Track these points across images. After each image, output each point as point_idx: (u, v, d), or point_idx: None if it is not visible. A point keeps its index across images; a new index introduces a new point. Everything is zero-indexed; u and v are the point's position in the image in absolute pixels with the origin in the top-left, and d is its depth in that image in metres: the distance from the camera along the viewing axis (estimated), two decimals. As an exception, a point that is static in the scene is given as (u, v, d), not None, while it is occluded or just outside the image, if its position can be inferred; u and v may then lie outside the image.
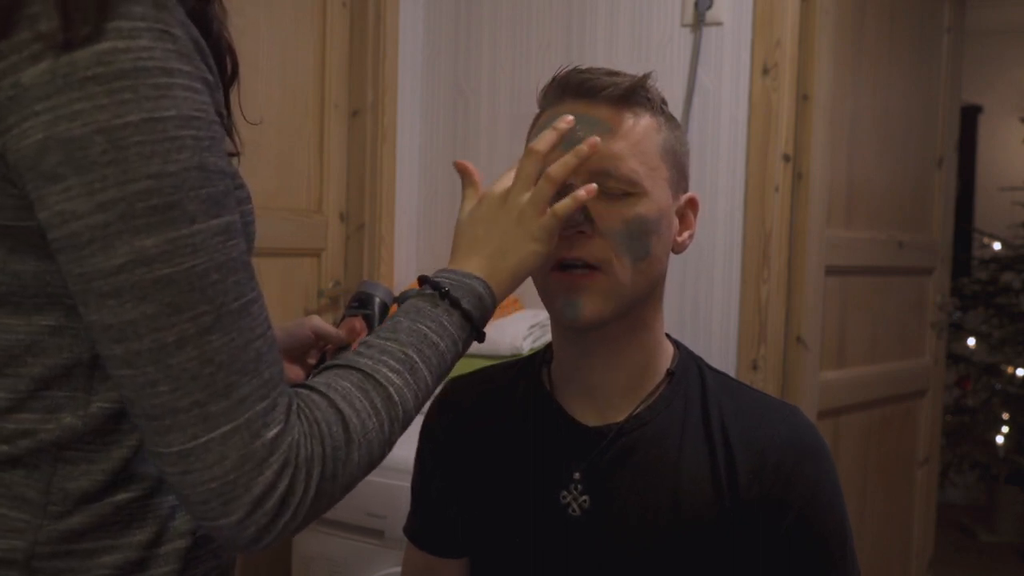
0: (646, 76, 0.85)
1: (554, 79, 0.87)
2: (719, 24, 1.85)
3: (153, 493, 0.63)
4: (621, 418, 0.88)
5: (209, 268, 0.54)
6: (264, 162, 1.79)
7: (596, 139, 0.77)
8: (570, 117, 0.78)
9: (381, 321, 0.87)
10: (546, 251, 0.76)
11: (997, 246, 4.00)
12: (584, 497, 0.87)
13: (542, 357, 0.97)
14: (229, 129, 0.73)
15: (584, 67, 0.86)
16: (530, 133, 0.89)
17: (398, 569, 1.53)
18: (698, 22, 1.87)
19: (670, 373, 0.90)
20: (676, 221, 0.88)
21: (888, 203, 2.18)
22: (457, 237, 0.79)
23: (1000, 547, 3.73)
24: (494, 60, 2.10)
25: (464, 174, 0.83)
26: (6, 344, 0.59)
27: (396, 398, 0.65)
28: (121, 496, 0.61)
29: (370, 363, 0.65)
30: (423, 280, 0.74)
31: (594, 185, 0.77)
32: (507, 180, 0.78)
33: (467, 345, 0.75)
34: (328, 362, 0.67)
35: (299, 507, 0.57)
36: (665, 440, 0.87)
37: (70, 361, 0.59)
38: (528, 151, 0.77)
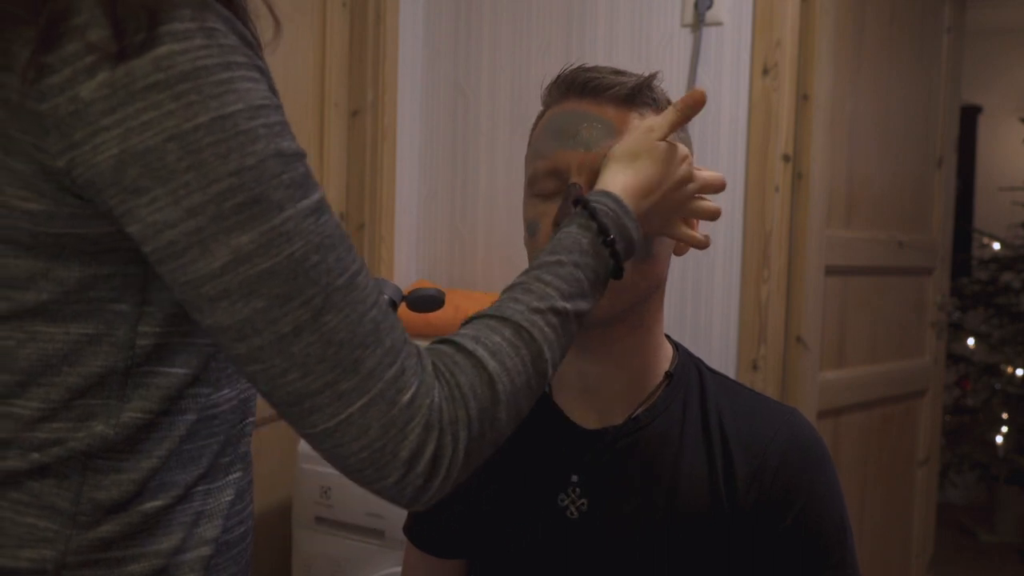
0: (652, 76, 0.85)
1: (559, 77, 0.86)
2: (719, 24, 1.86)
3: (180, 501, 0.62)
4: (620, 421, 0.88)
5: (308, 251, 0.54)
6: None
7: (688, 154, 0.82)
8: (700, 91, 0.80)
9: None
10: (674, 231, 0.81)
11: (997, 246, 4.00)
12: (582, 500, 0.87)
13: None
14: None
15: (590, 66, 0.85)
16: (533, 131, 0.89)
17: (398, 569, 1.53)
18: (698, 22, 1.87)
19: (669, 375, 0.90)
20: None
21: (888, 203, 2.18)
22: (642, 160, 0.77)
23: (1000, 547, 3.73)
24: (494, 60, 2.10)
25: (697, 104, 0.80)
26: (43, 354, 0.58)
27: (547, 355, 0.64)
28: (149, 505, 0.61)
29: (527, 314, 0.64)
30: (586, 206, 0.72)
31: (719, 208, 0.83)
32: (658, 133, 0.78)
33: (606, 285, 0.75)
34: (481, 311, 0.67)
35: (451, 467, 0.58)
36: (664, 443, 0.87)
37: (105, 370, 0.59)
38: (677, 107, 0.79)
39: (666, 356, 0.91)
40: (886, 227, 2.17)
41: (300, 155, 0.57)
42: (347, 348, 0.55)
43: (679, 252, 0.89)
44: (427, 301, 0.90)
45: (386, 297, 0.86)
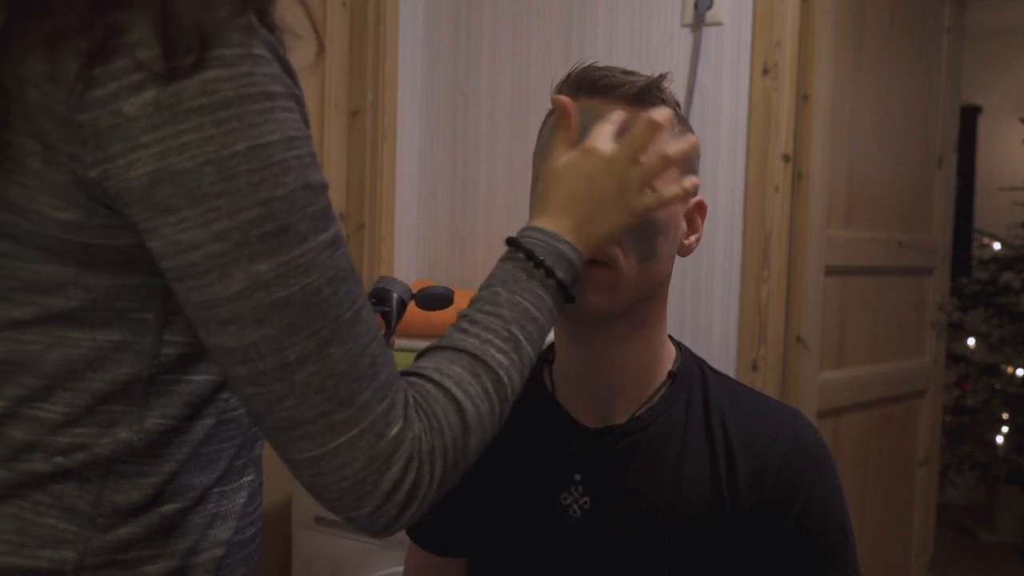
0: (662, 76, 0.85)
1: (569, 75, 0.86)
2: (719, 24, 1.85)
3: (197, 503, 0.63)
4: (622, 419, 0.88)
5: (322, 284, 0.55)
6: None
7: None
8: (667, 111, 0.77)
9: (399, 319, 0.86)
10: (635, 225, 0.77)
11: (997, 246, 4.00)
12: (585, 498, 0.87)
13: (544, 357, 0.97)
14: None
15: (601, 65, 0.86)
16: (542, 128, 0.89)
17: (398, 569, 1.53)
18: (698, 22, 1.87)
19: (672, 375, 0.90)
20: (684, 224, 0.88)
21: (888, 203, 2.17)
22: (551, 188, 0.76)
23: (1000, 547, 3.73)
24: (494, 60, 2.10)
25: (565, 115, 0.79)
26: (69, 359, 0.59)
27: (505, 380, 0.65)
28: (167, 507, 0.61)
29: (478, 344, 0.65)
30: (513, 243, 0.72)
31: (698, 180, 0.80)
32: (605, 139, 0.76)
33: (559, 310, 0.73)
34: (432, 344, 0.67)
35: (425, 496, 0.60)
36: (666, 442, 0.87)
37: (130, 377, 0.60)
38: (647, 121, 0.75)
39: (669, 356, 0.92)
40: (886, 227, 2.17)
41: (324, 187, 0.58)
42: (346, 381, 0.56)
43: (683, 253, 0.88)
44: (437, 299, 0.90)
45: (396, 295, 0.85)
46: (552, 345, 0.95)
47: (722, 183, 1.86)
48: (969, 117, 4.19)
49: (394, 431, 0.58)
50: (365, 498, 0.58)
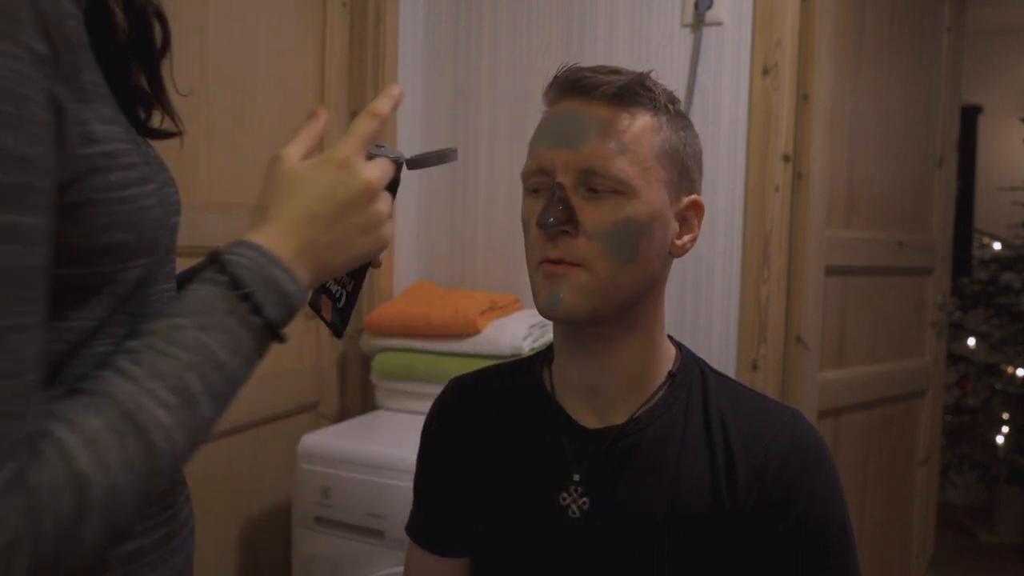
0: (642, 74, 0.84)
1: (555, 78, 0.86)
2: (719, 24, 1.86)
3: None
4: (621, 420, 0.88)
5: None
6: (264, 162, 1.78)
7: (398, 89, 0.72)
8: (398, 89, 0.71)
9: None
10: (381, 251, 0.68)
11: (997, 246, 4.00)
12: (584, 499, 0.87)
13: (543, 357, 0.97)
14: (165, 107, 0.69)
15: (587, 66, 0.85)
16: (534, 132, 0.89)
17: (398, 569, 1.53)
18: (698, 22, 1.87)
19: (671, 375, 0.90)
20: (675, 224, 0.86)
21: (888, 203, 2.18)
22: (284, 196, 0.63)
23: (1000, 547, 3.73)
24: (494, 60, 2.10)
25: (312, 119, 0.70)
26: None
27: (163, 446, 0.51)
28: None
29: (134, 393, 0.51)
30: (217, 261, 0.59)
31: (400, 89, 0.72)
32: (353, 148, 0.66)
33: (264, 354, 0.61)
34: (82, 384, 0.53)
35: None
36: (665, 443, 0.87)
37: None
38: (376, 115, 0.69)
39: (668, 356, 0.91)
40: (886, 227, 2.17)
41: (28, 164, 0.46)
42: None
43: (676, 253, 0.88)
44: (430, 158, 0.76)
45: (387, 159, 0.71)
46: (551, 346, 0.95)
47: (722, 183, 1.86)
48: (969, 117, 4.19)
49: None
50: None
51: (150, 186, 0.58)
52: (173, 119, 0.70)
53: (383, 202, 0.66)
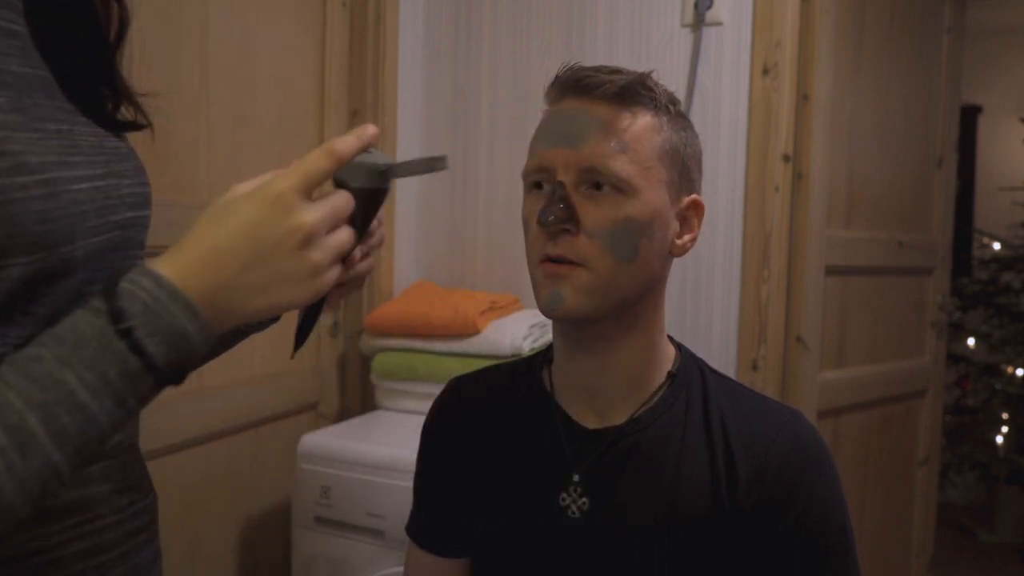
0: (643, 74, 0.84)
1: (556, 77, 0.86)
2: (719, 24, 1.85)
3: None
4: (621, 420, 0.88)
5: None
6: (264, 162, 1.79)
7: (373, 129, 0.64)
8: (373, 129, 0.63)
9: (364, 211, 0.65)
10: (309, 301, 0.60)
11: (997, 246, 4.00)
12: (583, 499, 0.87)
13: (543, 358, 0.97)
14: (125, 96, 0.67)
15: (589, 65, 0.85)
16: (535, 131, 0.89)
17: (398, 569, 1.53)
18: (698, 22, 1.87)
19: (671, 375, 0.90)
20: (675, 224, 0.86)
21: (888, 203, 2.18)
22: (207, 224, 0.57)
23: (1000, 547, 3.73)
24: (494, 60, 2.10)
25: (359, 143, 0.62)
26: None
27: None
28: None
29: None
30: (108, 289, 0.53)
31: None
32: (292, 183, 0.57)
33: (148, 399, 0.54)
34: None
35: None
36: (665, 443, 0.87)
37: None
38: (333, 154, 0.60)
39: (667, 357, 0.91)
40: (886, 227, 2.17)
41: None
42: None
43: (676, 253, 0.88)
44: (415, 165, 0.68)
45: (349, 188, 0.63)
46: (551, 346, 0.95)
47: (722, 183, 1.86)
48: (969, 117, 4.19)
49: None
50: None
51: (31, 177, 0.53)
52: (139, 109, 0.68)
53: (319, 249, 0.57)
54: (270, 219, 0.56)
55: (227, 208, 0.57)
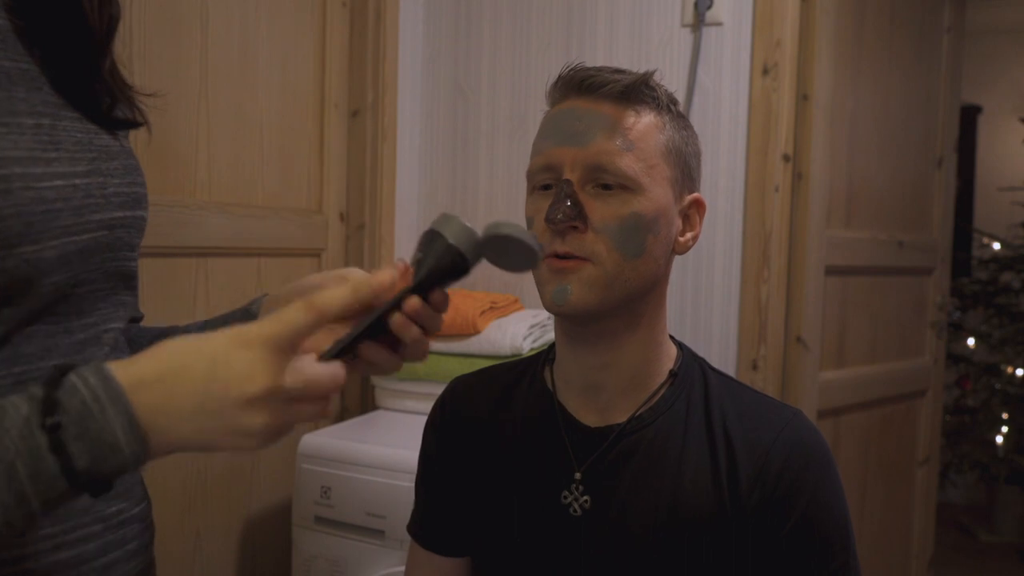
0: (647, 73, 0.85)
1: (559, 77, 0.87)
2: (719, 24, 1.85)
3: None
4: (623, 419, 0.88)
5: None
6: (264, 162, 1.79)
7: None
8: (378, 282, 0.59)
9: (442, 276, 0.60)
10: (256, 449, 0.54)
11: (997, 246, 4.00)
12: (585, 497, 0.87)
13: (545, 357, 0.97)
14: (121, 93, 0.65)
15: (591, 66, 0.86)
16: (538, 130, 0.89)
17: (398, 569, 1.53)
18: (698, 22, 1.87)
19: (672, 374, 0.90)
20: (679, 221, 0.87)
21: (888, 203, 2.18)
22: (168, 346, 0.53)
23: (1000, 547, 3.73)
24: (494, 60, 2.10)
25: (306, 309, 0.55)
26: None
27: None
28: None
29: None
30: (58, 372, 0.49)
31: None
32: (265, 333, 0.53)
33: (56, 505, 0.49)
34: None
35: None
36: (667, 441, 0.87)
37: None
38: (313, 309, 0.55)
39: (669, 355, 0.92)
40: (886, 227, 2.17)
41: None
42: None
43: (679, 250, 0.89)
44: (512, 246, 0.60)
45: (446, 238, 0.59)
46: (552, 345, 0.95)
47: (722, 183, 1.86)
48: (969, 117, 4.19)
49: None
50: None
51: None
52: (134, 107, 0.67)
53: (271, 413, 0.52)
54: (231, 363, 0.51)
55: (204, 337, 0.53)
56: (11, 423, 0.46)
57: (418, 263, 0.61)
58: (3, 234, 0.52)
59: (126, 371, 0.50)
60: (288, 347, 0.53)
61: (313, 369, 0.54)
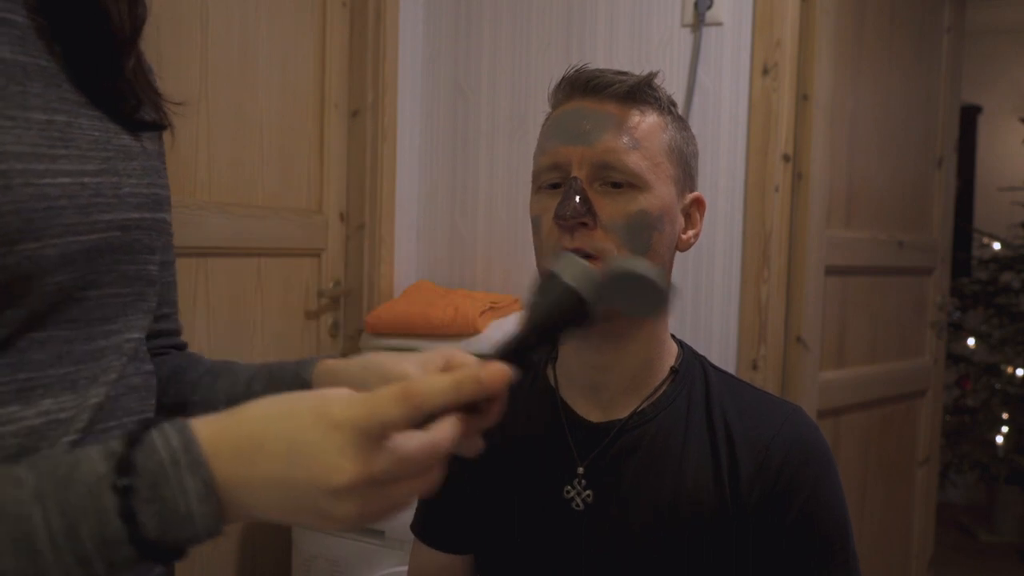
0: (651, 74, 0.87)
1: (563, 78, 0.88)
2: (719, 24, 1.86)
3: None
4: (625, 414, 0.89)
5: None
6: (264, 162, 1.79)
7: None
8: (493, 381, 0.53)
9: (553, 326, 0.54)
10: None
11: (997, 246, 4.00)
12: (587, 492, 0.87)
13: (548, 354, 0.97)
14: (146, 94, 0.65)
15: (593, 67, 0.88)
16: (542, 130, 0.90)
17: (398, 569, 1.53)
18: (698, 22, 1.87)
19: (674, 371, 0.91)
20: (681, 219, 0.89)
21: (888, 203, 2.18)
22: (257, 415, 0.49)
23: (1000, 547, 3.73)
24: (494, 60, 2.10)
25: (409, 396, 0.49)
26: None
27: None
28: None
29: None
30: (133, 435, 0.46)
31: None
32: (355, 418, 0.47)
33: (121, 571, 0.45)
34: None
35: None
36: (668, 437, 0.87)
37: None
38: (409, 401, 0.49)
39: (671, 352, 0.93)
40: (886, 227, 2.17)
41: None
42: None
43: (681, 248, 0.90)
44: (639, 287, 0.57)
45: (563, 280, 0.52)
46: (553, 344, 0.96)
47: (722, 183, 1.86)
48: (969, 117, 4.19)
49: None
50: None
51: None
52: (158, 109, 0.67)
53: (357, 501, 0.47)
54: (315, 446, 0.47)
55: (291, 402, 0.49)
56: (83, 477, 0.44)
57: (531, 308, 0.55)
58: (2, 230, 0.52)
59: (208, 429, 0.47)
60: (378, 437, 0.48)
61: (407, 445, 0.48)
